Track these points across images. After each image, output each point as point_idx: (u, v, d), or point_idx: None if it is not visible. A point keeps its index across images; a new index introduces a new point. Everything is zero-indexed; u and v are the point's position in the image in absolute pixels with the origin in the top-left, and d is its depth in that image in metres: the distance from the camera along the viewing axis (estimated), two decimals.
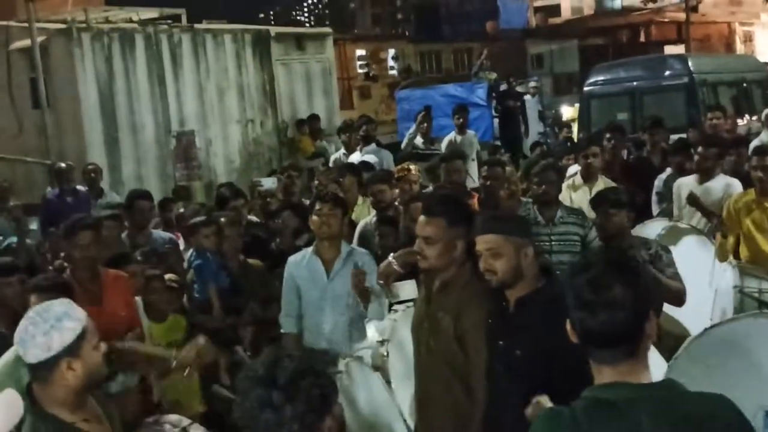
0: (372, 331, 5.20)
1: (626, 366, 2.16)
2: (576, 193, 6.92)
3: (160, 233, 7.06)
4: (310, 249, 5.24)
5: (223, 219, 6.42)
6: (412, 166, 7.36)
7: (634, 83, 13.24)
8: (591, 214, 5.45)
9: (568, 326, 2.25)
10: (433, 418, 3.76)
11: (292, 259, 5.31)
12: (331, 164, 10.63)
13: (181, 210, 8.34)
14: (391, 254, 4.35)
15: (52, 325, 2.74)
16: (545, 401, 2.73)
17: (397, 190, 7.02)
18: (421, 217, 3.76)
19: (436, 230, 3.65)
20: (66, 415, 2.81)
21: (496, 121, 16.35)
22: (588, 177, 7.10)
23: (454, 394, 3.63)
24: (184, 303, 5.95)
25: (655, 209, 7.40)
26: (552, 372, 3.03)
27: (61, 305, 2.83)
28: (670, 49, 25.22)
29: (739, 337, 3.92)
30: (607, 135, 8.16)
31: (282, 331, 5.23)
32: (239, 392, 2.15)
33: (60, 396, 2.80)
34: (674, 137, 8.89)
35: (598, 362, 2.19)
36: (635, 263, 2.24)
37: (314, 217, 5.10)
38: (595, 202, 5.16)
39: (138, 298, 5.31)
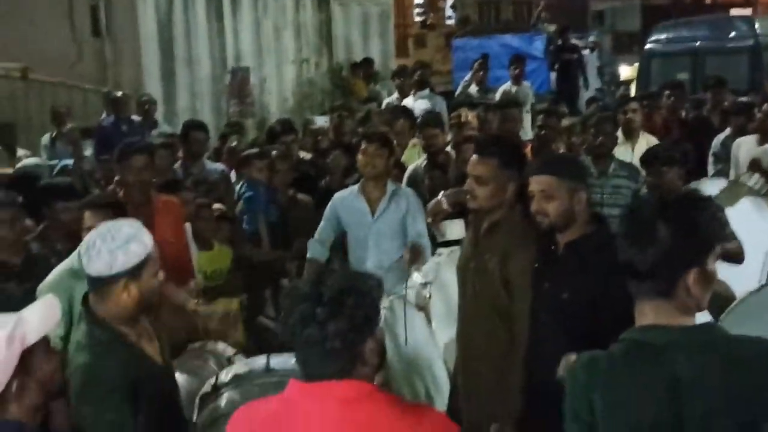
0: (416, 273, 5.24)
1: (665, 307, 2.15)
2: (617, 150, 6.80)
3: (213, 164, 7.12)
4: (356, 187, 5.26)
5: (274, 153, 6.45)
6: (468, 112, 7.30)
7: (697, 43, 12.88)
8: None
9: None
10: (474, 358, 3.77)
11: (338, 195, 5.35)
12: (383, 107, 10.62)
13: (234, 144, 8.39)
14: (442, 192, 4.33)
15: (119, 246, 2.78)
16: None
17: (448, 136, 6.98)
18: (474, 157, 3.73)
19: (488, 170, 3.62)
20: (119, 327, 2.88)
21: (552, 74, 16.10)
22: (629, 134, 6.93)
23: (496, 335, 3.63)
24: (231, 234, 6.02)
25: (710, 170, 7.26)
26: (597, 317, 3.02)
27: (132, 227, 2.86)
28: (736, 12, 24.50)
29: None
30: (667, 92, 7.99)
31: (308, 255, 5.22)
32: (284, 309, 2.15)
33: (113, 312, 2.86)
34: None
35: (639, 298, 2.18)
36: (699, 205, 2.19)
37: (360, 156, 5.13)
38: (647, 159, 5.07)
39: (187, 225, 5.38)
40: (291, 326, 2.11)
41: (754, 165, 6.40)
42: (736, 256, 4.66)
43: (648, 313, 2.17)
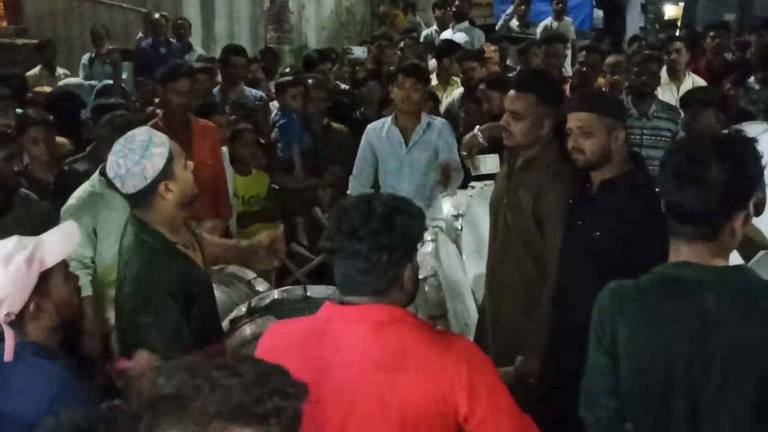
0: (448, 206, 5.26)
1: (703, 248, 2.15)
2: (661, 91, 6.69)
3: (251, 90, 7.12)
4: (389, 118, 5.25)
5: (310, 81, 6.43)
6: (490, 45, 7.21)
7: None
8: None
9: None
10: (503, 292, 3.80)
11: (371, 126, 5.34)
12: (422, 40, 10.51)
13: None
14: (477, 126, 4.31)
15: (141, 156, 2.80)
16: None
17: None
18: (511, 92, 3.69)
19: (525, 105, 3.59)
20: (168, 235, 2.94)
21: (596, 11, 15.74)
22: (673, 75, 6.84)
23: (526, 270, 3.66)
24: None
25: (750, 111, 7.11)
26: (628, 257, 3.01)
27: (142, 133, 2.88)
28: None
29: None
30: (711, 33, 7.82)
31: (348, 192, 5.25)
32: (332, 221, 2.16)
33: (163, 217, 2.91)
34: None
35: (677, 237, 2.17)
36: (746, 148, 2.17)
37: (396, 90, 5.09)
38: (684, 100, 5.00)
39: (224, 149, 5.42)
40: (339, 239, 2.12)
41: None
42: (761, 207, 4.59)
43: (684, 252, 2.16)
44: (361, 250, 2.09)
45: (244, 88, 6.98)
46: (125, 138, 2.88)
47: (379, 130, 5.23)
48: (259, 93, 7.15)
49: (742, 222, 2.13)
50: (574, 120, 3.32)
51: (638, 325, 2.15)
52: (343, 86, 7.97)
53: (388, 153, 5.16)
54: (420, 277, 4.45)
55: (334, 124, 6.41)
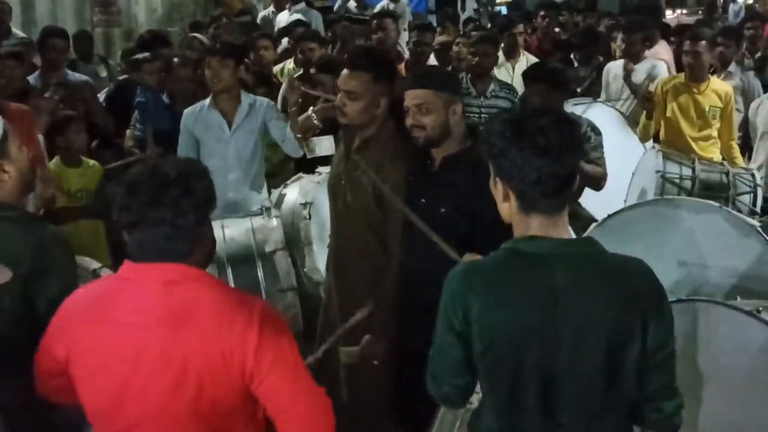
0: (295, 193, 5.13)
1: (557, 218, 2.14)
2: (498, 70, 6.82)
3: (75, 74, 6.67)
4: (206, 101, 5.01)
5: (175, 60, 6.08)
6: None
7: None
8: None
9: (492, 182, 2.20)
10: (347, 272, 3.74)
11: (188, 111, 5.06)
12: (258, 22, 10.32)
13: None
14: (311, 108, 4.19)
15: None
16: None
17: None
18: (345, 71, 3.61)
19: (359, 84, 3.52)
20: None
21: None
22: (510, 54, 7.03)
23: (369, 248, 3.61)
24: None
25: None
26: (475, 232, 3.02)
27: None
28: None
29: (637, 223, 3.98)
30: (542, 12, 8.05)
31: None
32: (121, 195, 2.15)
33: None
34: None
35: (533, 210, 2.13)
36: (576, 119, 2.23)
37: (206, 71, 4.90)
38: (529, 77, 5.06)
39: (41, 137, 5.01)
40: (137, 209, 2.12)
41: (626, 74, 6.50)
42: (597, 183, 4.69)
43: (534, 226, 2.14)
44: (166, 218, 2.11)
45: (66, 72, 6.54)
46: None
47: (197, 114, 4.98)
48: (84, 77, 6.70)
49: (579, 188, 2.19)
50: (411, 98, 3.29)
51: (490, 302, 2.12)
52: None
53: (210, 138, 4.93)
54: (268, 249, 4.42)
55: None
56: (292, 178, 5.38)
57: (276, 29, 9.33)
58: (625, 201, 5.50)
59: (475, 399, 2.35)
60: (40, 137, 4.93)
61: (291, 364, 2.19)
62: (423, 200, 3.32)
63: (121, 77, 7.16)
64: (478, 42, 5.90)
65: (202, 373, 2.11)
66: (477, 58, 5.78)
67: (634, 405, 2.18)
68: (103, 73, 8.02)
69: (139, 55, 6.38)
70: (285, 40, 7.99)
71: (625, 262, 2.17)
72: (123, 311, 2.15)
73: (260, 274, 4.40)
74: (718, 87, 5.81)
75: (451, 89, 3.35)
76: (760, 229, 3.76)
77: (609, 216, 4.03)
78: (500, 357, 2.13)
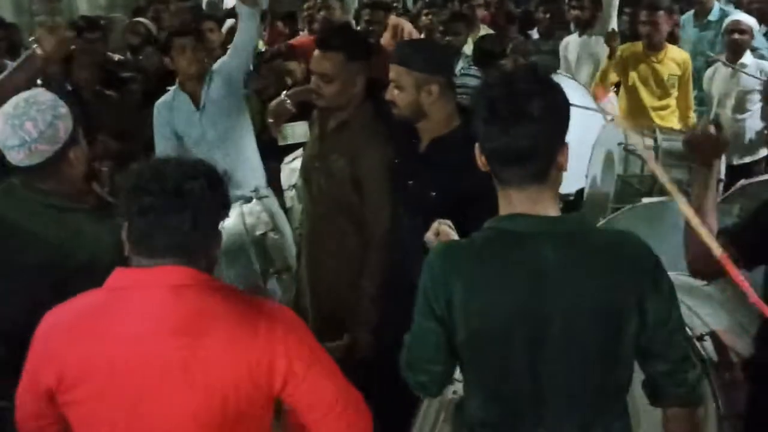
0: (283, 177, 4.97)
1: (535, 193, 2.00)
2: None
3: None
4: (175, 87, 4.73)
5: (73, 47, 5.82)
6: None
7: None
8: None
9: (477, 150, 2.06)
10: (322, 261, 3.61)
11: (160, 102, 4.77)
12: (204, 6, 10.08)
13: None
14: (284, 92, 4.02)
15: (54, 115, 2.45)
16: (449, 230, 2.49)
17: None
18: (317, 52, 3.44)
19: (333, 65, 3.36)
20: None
21: None
22: (471, 27, 6.90)
23: (346, 237, 3.48)
24: None
25: None
26: (465, 214, 2.80)
27: (45, 92, 2.53)
28: None
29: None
30: None
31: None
32: (148, 179, 1.95)
33: (68, 191, 2.55)
34: None
35: (506, 184, 2.02)
36: (558, 84, 2.05)
37: (177, 56, 4.54)
38: (479, 53, 4.95)
39: None
40: (158, 193, 1.93)
41: None
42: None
43: (515, 201, 2.02)
44: (189, 205, 1.92)
45: (6, 63, 6.25)
46: (28, 95, 2.47)
47: (170, 103, 4.68)
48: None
49: (566, 155, 2.02)
50: (391, 72, 3.11)
51: (474, 285, 2.00)
52: (117, 57, 7.38)
53: (186, 123, 4.62)
54: (258, 233, 4.24)
55: (107, 92, 5.83)
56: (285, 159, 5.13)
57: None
58: (586, 176, 5.41)
59: (459, 388, 2.25)
60: None
61: (326, 362, 2.06)
62: (411, 183, 3.18)
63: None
64: (450, 21, 5.79)
65: (226, 386, 1.93)
66: (447, 36, 5.66)
67: (653, 384, 2.11)
68: None
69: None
70: (230, 21, 7.77)
71: (616, 237, 2.09)
72: (125, 323, 1.92)
73: (253, 258, 4.32)
74: (675, 55, 5.82)
75: (430, 69, 3.10)
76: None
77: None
78: (486, 343, 2.02)
